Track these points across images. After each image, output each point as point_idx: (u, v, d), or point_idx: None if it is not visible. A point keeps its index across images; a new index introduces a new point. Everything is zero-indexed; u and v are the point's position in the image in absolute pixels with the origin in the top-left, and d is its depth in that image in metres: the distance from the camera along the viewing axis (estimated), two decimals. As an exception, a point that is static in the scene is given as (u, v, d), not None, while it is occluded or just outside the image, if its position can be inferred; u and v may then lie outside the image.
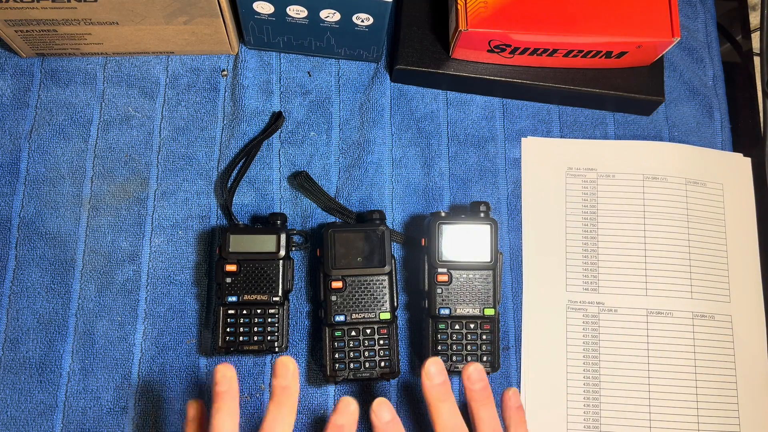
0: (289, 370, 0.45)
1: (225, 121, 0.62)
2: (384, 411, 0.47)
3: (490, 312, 0.55)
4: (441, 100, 0.64)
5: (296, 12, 0.56)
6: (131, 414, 0.55)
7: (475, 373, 0.48)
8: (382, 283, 0.55)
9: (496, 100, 0.65)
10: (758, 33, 0.67)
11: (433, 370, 0.47)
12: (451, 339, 0.55)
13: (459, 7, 0.56)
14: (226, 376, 0.45)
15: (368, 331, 0.54)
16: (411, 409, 0.56)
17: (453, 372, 0.55)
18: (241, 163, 0.60)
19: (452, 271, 0.55)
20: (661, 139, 0.65)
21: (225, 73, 0.63)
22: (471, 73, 0.62)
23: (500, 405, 0.52)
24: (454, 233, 0.55)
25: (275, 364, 0.45)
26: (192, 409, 0.48)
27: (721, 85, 0.68)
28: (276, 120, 0.61)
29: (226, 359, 0.56)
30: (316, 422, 0.55)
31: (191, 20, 0.57)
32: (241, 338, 0.53)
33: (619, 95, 0.62)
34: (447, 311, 0.55)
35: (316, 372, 0.57)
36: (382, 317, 0.54)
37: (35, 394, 0.55)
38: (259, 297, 0.54)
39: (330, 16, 0.56)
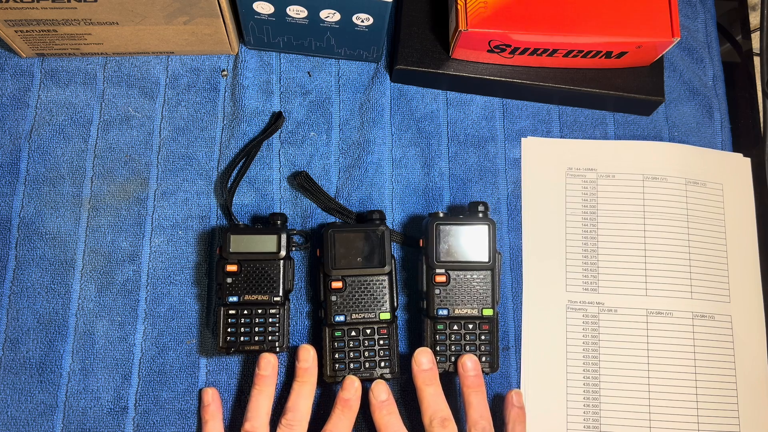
0: (310, 355, 0.53)
1: (225, 121, 0.62)
2: (381, 391, 0.52)
3: (488, 312, 0.55)
4: (441, 100, 0.64)
5: (296, 12, 0.56)
6: (131, 414, 0.55)
7: (469, 362, 0.54)
8: (382, 284, 0.55)
9: (496, 100, 0.65)
10: (758, 33, 0.67)
11: (422, 358, 0.53)
12: (450, 340, 0.55)
13: (459, 7, 0.56)
14: (271, 362, 0.53)
15: (368, 331, 0.54)
16: (411, 408, 0.56)
17: (452, 373, 0.55)
18: (241, 163, 0.60)
19: (450, 272, 0.55)
20: (661, 139, 0.65)
21: (225, 73, 0.63)
22: (471, 73, 0.62)
23: (504, 404, 0.56)
24: (451, 234, 0.55)
25: (299, 350, 0.53)
26: (207, 396, 0.54)
27: (721, 85, 0.68)
28: (276, 120, 0.61)
29: (227, 359, 0.56)
30: (315, 421, 0.55)
31: (191, 20, 0.57)
32: (242, 338, 0.54)
33: (619, 95, 0.62)
34: (445, 312, 0.55)
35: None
36: (382, 317, 0.54)
37: (35, 394, 0.55)
38: (259, 297, 0.54)
39: (330, 16, 0.56)
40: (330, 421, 0.52)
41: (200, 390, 0.56)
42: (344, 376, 0.53)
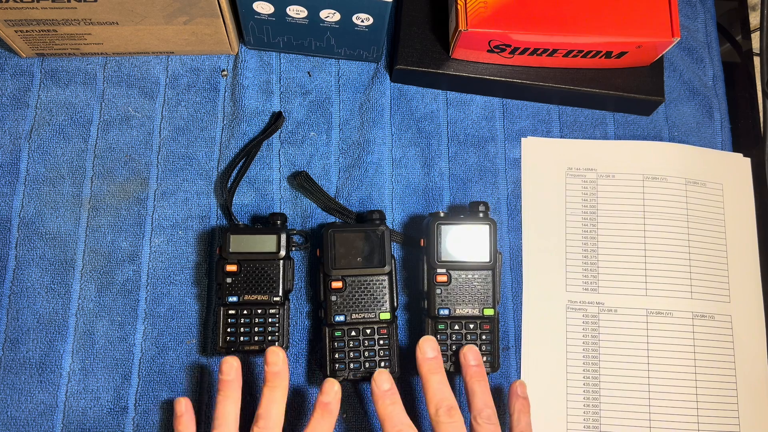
0: (279, 357, 0.50)
1: (225, 121, 0.62)
2: (384, 380, 0.51)
3: (489, 312, 0.55)
4: (441, 100, 0.64)
5: (296, 12, 0.56)
6: (131, 414, 0.55)
7: (470, 353, 0.53)
8: (382, 283, 0.55)
9: (496, 100, 0.65)
10: (758, 33, 0.67)
11: (426, 347, 0.52)
12: (451, 339, 0.55)
13: (459, 7, 0.56)
14: (233, 366, 0.50)
15: (368, 331, 0.54)
16: (411, 408, 0.56)
17: (453, 373, 0.55)
18: (241, 163, 0.60)
19: (451, 272, 0.55)
20: (661, 139, 0.65)
21: (225, 73, 0.63)
22: (471, 73, 0.62)
23: (508, 395, 0.54)
24: (452, 233, 0.55)
25: (266, 353, 0.50)
26: (180, 406, 0.52)
27: (721, 85, 0.68)
28: (276, 120, 0.61)
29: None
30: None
31: (191, 20, 0.57)
32: (241, 338, 0.53)
33: (619, 95, 0.62)
34: (446, 312, 0.55)
35: (316, 372, 0.57)
36: (382, 317, 0.54)
37: (35, 394, 0.55)
38: (259, 297, 0.54)
39: (330, 16, 0.56)
40: (308, 426, 0.49)
41: (174, 400, 0.53)
42: (344, 376, 0.53)
